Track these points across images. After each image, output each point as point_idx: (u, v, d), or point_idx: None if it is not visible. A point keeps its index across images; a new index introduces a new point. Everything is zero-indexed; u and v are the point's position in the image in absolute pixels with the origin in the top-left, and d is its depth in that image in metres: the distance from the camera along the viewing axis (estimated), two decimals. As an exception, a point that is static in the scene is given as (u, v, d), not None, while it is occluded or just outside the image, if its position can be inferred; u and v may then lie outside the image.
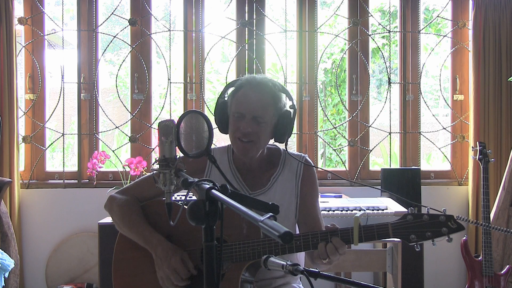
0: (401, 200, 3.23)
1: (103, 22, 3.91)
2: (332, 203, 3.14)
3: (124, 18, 3.96)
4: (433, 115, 4.10)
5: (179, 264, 1.79)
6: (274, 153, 2.05)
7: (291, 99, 1.98)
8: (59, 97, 3.86)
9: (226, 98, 1.99)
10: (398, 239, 1.76)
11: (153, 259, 1.86)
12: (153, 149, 3.90)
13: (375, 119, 4.00)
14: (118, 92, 3.92)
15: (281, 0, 4.05)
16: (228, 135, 1.99)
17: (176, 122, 1.53)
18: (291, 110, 1.96)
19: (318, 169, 3.99)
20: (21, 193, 3.76)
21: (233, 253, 1.80)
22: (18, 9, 3.80)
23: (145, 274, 1.90)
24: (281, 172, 2.01)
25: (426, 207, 1.77)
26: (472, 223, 2.71)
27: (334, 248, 1.74)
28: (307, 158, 2.06)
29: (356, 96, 3.98)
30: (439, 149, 4.05)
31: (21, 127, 3.88)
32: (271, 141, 2.04)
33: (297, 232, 2.05)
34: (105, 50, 3.92)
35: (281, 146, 2.11)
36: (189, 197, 1.84)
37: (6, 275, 3.14)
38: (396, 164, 4.17)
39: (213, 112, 2.04)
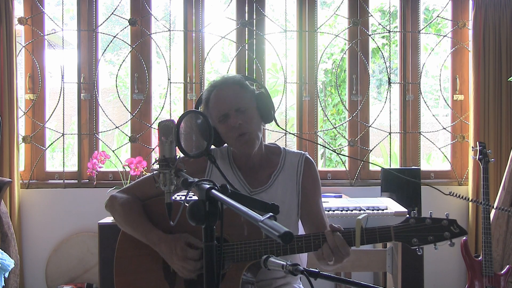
0: (403, 194, 3.22)
1: (103, 22, 3.91)
2: (332, 203, 3.14)
3: (124, 18, 3.96)
4: (433, 115, 4.10)
5: (186, 250, 1.80)
6: (274, 151, 2.06)
7: (255, 81, 2.02)
8: (59, 97, 3.86)
9: (205, 114, 1.96)
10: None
11: (156, 257, 1.87)
12: (153, 149, 3.90)
13: (375, 119, 4.00)
14: (118, 92, 3.92)
15: (281, 0, 4.05)
16: (226, 144, 1.99)
17: (176, 122, 1.53)
18: (262, 90, 1.98)
19: (318, 169, 3.99)
20: (21, 193, 3.76)
21: (234, 253, 1.80)
22: (18, 9, 3.80)
23: (146, 272, 1.91)
24: (282, 169, 2.02)
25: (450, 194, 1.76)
26: (471, 201, 2.75)
27: (335, 245, 1.73)
28: (307, 155, 2.06)
29: (356, 96, 3.98)
30: (439, 149, 4.05)
31: (21, 127, 3.88)
32: (275, 139, 2.04)
33: (301, 229, 2.05)
34: (105, 50, 3.92)
35: (281, 145, 2.12)
36: (190, 197, 1.84)
37: (6, 275, 3.14)
38: (396, 164, 4.17)
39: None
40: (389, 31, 4.01)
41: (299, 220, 2.04)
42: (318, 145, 4.02)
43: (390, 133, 3.98)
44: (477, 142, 3.45)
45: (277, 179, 2.00)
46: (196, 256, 1.80)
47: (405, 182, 3.68)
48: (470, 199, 3.12)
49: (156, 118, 3.93)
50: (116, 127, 3.93)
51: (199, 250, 1.81)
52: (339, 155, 3.83)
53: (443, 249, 1.74)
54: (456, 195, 2.28)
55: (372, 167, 4.06)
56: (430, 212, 1.76)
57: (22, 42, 3.85)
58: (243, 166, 2.02)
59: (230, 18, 3.92)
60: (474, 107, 3.84)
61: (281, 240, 1.03)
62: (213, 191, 1.24)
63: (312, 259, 2.01)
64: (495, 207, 2.69)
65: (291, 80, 4.09)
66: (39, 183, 3.84)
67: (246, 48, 3.90)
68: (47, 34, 3.88)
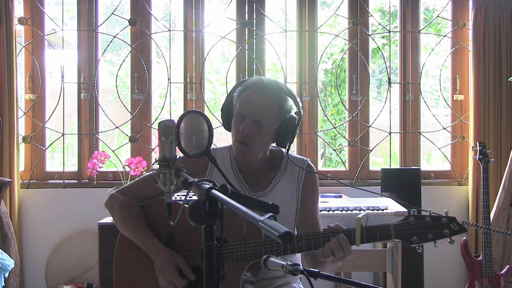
0: (403, 194, 3.23)
1: (103, 22, 3.91)
2: (332, 203, 3.14)
3: (124, 18, 3.96)
4: (433, 115, 4.10)
5: (174, 274, 1.81)
6: (276, 156, 2.04)
7: (297, 104, 1.95)
8: (59, 97, 3.86)
9: (234, 97, 1.98)
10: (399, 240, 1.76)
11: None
12: (153, 149, 3.90)
13: (375, 119, 4.00)
14: (118, 92, 3.92)
15: (281, 0, 4.05)
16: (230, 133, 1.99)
17: (176, 122, 1.53)
18: (296, 116, 1.94)
19: (318, 169, 3.99)
20: (21, 193, 3.75)
21: (235, 253, 1.80)
22: (18, 9, 3.80)
23: (146, 272, 1.91)
24: (283, 175, 2.01)
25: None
26: (472, 226, 2.71)
27: (338, 244, 1.73)
28: (309, 162, 2.05)
29: (356, 96, 3.97)
30: (439, 149, 4.05)
31: (21, 127, 3.88)
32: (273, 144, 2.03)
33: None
34: (105, 50, 3.92)
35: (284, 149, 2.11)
36: (190, 197, 1.84)
37: (6, 275, 3.14)
38: (396, 164, 4.17)
39: (213, 113, 2.04)
40: (389, 31, 4.01)
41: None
42: (318, 144, 4.02)
43: (390, 133, 3.98)
44: (477, 142, 3.45)
45: (277, 184, 2.00)
46: (180, 286, 1.81)
47: (405, 182, 3.68)
48: (487, 228, 3.12)
49: (156, 118, 3.93)
50: (116, 127, 3.93)
51: (186, 281, 1.81)
52: (335, 179, 3.84)
53: (443, 249, 1.74)
54: (470, 224, 2.30)
55: (372, 167, 4.06)
56: (430, 210, 1.76)
57: (22, 42, 3.85)
58: (244, 169, 2.01)
59: (230, 18, 3.92)
60: (474, 107, 3.84)
61: (281, 240, 1.03)
62: (213, 191, 1.23)
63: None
64: (505, 232, 2.72)
65: (291, 80, 4.09)
66: (39, 183, 3.83)
67: (246, 48, 3.90)
68: (47, 34, 3.88)
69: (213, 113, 4.02)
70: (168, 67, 3.88)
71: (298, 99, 1.98)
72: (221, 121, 2.01)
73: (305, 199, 2.00)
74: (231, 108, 1.96)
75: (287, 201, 1.98)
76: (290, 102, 1.96)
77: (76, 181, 3.84)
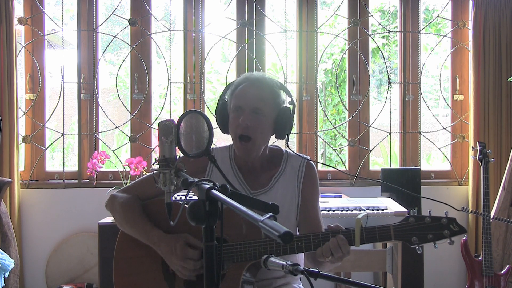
0: (403, 194, 3.23)
1: (103, 22, 3.91)
2: (332, 203, 3.14)
3: (124, 18, 3.96)
4: (433, 115, 4.10)
5: (186, 249, 1.80)
6: (276, 154, 2.05)
7: (290, 95, 1.99)
8: (59, 97, 3.86)
9: (226, 99, 1.99)
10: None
11: (155, 258, 1.87)
12: (153, 149, 3.90)
13: (375, 119, 4.00)
14: (118, 92, 3.92)
15: (281, 0, 4.05)
16: (229, 135, 1.99)
17: (176, 122, 1.53)
18: (290, 106, 1.97)
19: (318, 169, 3.99)
20: (21, 193, 3.75)
21: (234, 253, 1.80)
22: (18, 9, 3.80)
23: (146, 273, 1.91)
24: (283, 172, 2.01)
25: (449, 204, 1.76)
26: (472, 213, 2.73)
27: (337, 244, 1.74)
28: (309, 159, 2.06)
29: (356, 96, 3.97)
30: (439, 149, 4.05)
31: (21, 127, 3.88)
32: (273, 141, 2.04)
33: (297, 233, 2.05)
34: (105, 50, 3.92)
35: (283, 147, 2.11)
36: (190, 197, 1.84)
37: (6, 275, 3.14)
38: (396, 164, 4.17)
39: (213, 113, 2.05)
40: (389, 31, 4.01)
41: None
42: (318, 144, 4.02)
43: (390, 133, 3.98)
44: (477, 142, 3.45)
45: (277, 182, 2.00)
46: (195, 256, 1.79)
47: (405, 182, 3.68)
48: (483, 214, 3.13)
49: (156, 118, 3.93)
50: (116, 127, 3.93)
51: (199, 250, 1.80)
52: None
53: (443, 249, 1.74)
54: (469, 211, 2.31)
55: (372, 167, 4.06)
56: (429, 211, 1.76)
57: (22, 42, 3.85)
58: (244, 168, 2.01)
59: (230, 18, 3.92)
60: (474, 107, 3.84)
61: (281, 240, 1.03)
62: (213, 191, 1.24)
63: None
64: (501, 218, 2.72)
65: (291, 80, 4.09)
66: (39, 183, 3.83)
67: (246, 48, 3.90)
68: (47, 34, 3.88)
69: (213, 113, 4.02)
70: (168, 67, 3.88)
71: (290, 91, 2.01)
72: (218, 126, 2.01)
73: (306, 197, 2.01)
74: (225, 111, 1.97)
75: (287, 199, 1.99)
76: (283, 93, 1.99)
77: (76, 181, 3.84)
